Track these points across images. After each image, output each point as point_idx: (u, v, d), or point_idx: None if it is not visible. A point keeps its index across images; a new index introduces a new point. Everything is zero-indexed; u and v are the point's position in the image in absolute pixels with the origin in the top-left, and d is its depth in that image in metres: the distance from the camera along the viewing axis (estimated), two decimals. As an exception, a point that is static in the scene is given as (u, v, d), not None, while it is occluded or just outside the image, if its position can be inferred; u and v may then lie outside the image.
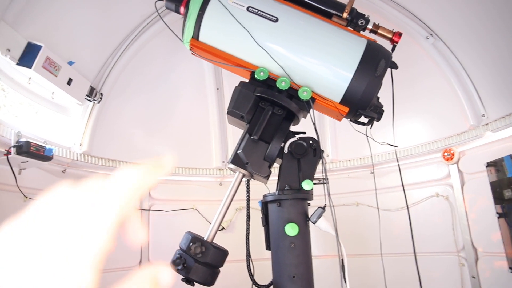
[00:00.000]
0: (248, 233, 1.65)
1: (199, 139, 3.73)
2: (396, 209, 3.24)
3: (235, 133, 3.75)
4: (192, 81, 3.71)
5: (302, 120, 1.68)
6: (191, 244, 1.30)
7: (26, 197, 2.47)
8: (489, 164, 2.71)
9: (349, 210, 3.55)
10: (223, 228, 3.57)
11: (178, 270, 1.30)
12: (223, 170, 3.72)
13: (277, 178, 1.56)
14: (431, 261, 3.05)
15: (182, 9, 1.67)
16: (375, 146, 1.90)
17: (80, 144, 2.97)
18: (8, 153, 2.15)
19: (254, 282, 1.59)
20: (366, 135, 1.74)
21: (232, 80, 3.81)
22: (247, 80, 1.63)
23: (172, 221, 3.46)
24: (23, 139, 2.18)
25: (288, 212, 1.43)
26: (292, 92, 1.56)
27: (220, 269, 1.37)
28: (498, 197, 2.63)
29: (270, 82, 1.56)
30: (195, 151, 3.71)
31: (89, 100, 2.89)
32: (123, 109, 3.31)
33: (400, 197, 3.18)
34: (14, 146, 2.15)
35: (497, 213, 2.62)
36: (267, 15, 1.56)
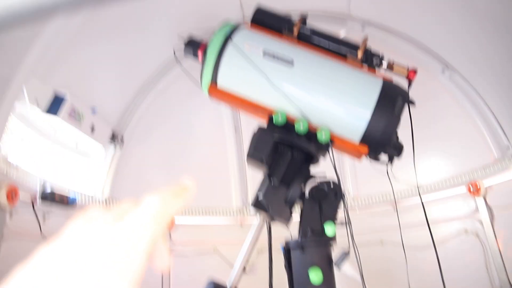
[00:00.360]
0: (271, 276, 1.61)
1: (218, 180, 3.74)
2: (422, 247, 3.13)
3: (254, 174, 3.74)
4: (210, 122, 3.77)
5: (322, 158, 1.67)
6: (214, 293, 1.28)
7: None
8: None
9: (373, 249, 3.44)
10: (244, 269, 3.49)
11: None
12: (243, 212, 3.70)
13: (299, 221, 1.54)
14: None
15: (200, 55, 1.72)
16: (397, 184, 1.86)
17: (102, 191, 3.01)
18: (33, 203, 2.20)
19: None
20: (387, 173, 1.71)
21: (250, 120, 3.86)
22: (265, 123, 1.65)
23: (194, 264, 3.42)
24: (48, 188, 2.24)
25: (311, 257, 1.40)
26: (311, 134, 1.56)
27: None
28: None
29: (288, 125, 1.57)
30: (214, 192, 3.71)
31: (112, 144, 2.96)
32: (143, 152, 3.37)
33: (427, 234, 3.09)
34: (39, 197, 2.20)
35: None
36: (282, 58, 1.60)
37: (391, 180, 1.82)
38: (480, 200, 2.98)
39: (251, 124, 1.62)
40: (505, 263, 2.82)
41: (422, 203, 1.80)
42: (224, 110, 3.77)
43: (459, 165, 3.09)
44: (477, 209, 3.01)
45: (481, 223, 2.97)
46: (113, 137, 2.97)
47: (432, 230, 3.06)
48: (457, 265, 2.97)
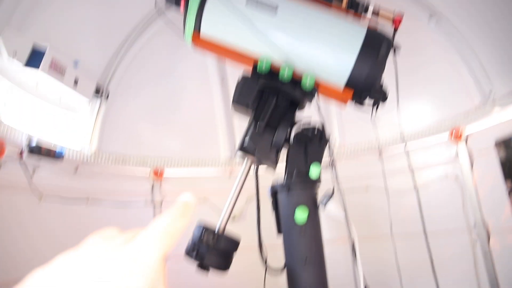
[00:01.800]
0: (259, 218, 1.67)
1: (206, 131, 3.76)
2: (406, 190, 3.25)
3: (242, 123, 3.77)
4: (196, 72, 3.72)
5: (308, 105, 1.69)
6: (203, 233, 1.33)
7: (41, 197, 2.52)
8: (498, 141, 2.70)
9: (358, 195, 3.56)
10: (234, 217, 3.61)
11: (192, 258, 1.33)
12: (231, 161, 3.75)
13: (285, 164, 1.58)
14: (442, 240, 3.06)
15: (182, 4, 1.68)
16: (382, 128, 1.90)
17: (90, 142, 3.01)
18: (20, 155, 2.20)
19: (267, 267, 1.62)
20: (371, 117, 1.74)
21: (236, 70, 3.82)
22: (250, 70, 1.64)
23: (185, 214, 3.51)
24: (33, 142, 2.23)
25: (297, 196, 1.45)
26: (295, 80, 1.57)
27: (234, 256, 1.40)
28: (508, 173, 2.63)
29: (272, 72, 1.58)
30: (202, 143, 3.74)
31: (96, 98, 2.93)
32: (129, 105, 3.35)
33: (409, 179, 3.21)
34: (26, 149, 2.19)
35: (508, 188, 2.63)
36: (266, 4, 1.57)
37: (375, 126, 1.86)
38: (461, 146, 3.07)
39: (237, 74, 1.62)
40: (480, 204, 2.96)
41: (406, 149, 1.85)
42: (209, 61, 3.73)
43: (442, 112, 3.15)
44: (457, 155, 3.10)
45: (461, 166, 3.08)
46: (98, 91, 2.92)
47: (417, 175, 3.18)
48: (437, 207, 3.11)
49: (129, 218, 3.27)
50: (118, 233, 0.35)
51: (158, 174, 3.49)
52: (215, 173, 3.80)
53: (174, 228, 0.37)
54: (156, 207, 3.47)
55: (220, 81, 3.75)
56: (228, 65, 3.75)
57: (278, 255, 1.75)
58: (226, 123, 3.78)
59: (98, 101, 3.02)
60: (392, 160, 3.42)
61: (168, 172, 3.58)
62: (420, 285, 2.97)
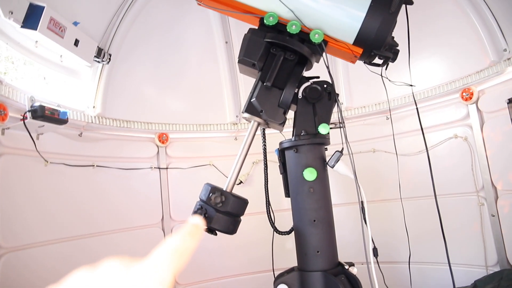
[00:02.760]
0: (267, 181, 1.65)
1: (211, 94, 3.71)
2: (413, 154, 3.22)
3: (247, 86, 3.70)
4: (200, 36, 3.62)
5: (315, 65, 1.63)
6: (210, 194, 1.31)
7: (47, 161, 2.52)
8: (510, 101, 2.63)
9: (365, 157, 3.54)
10: (241, 182, 3.62)
11: (199, 220, 1.32)
12: (237, 125, 3.71)
13: (292, 127, 1.54)
14: (450, 202, 3.05)
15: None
16: (390, 90, 1.84)
17: (94, 107, 2.98)
18: (24, 118, 2.17)
19: (275, 229, 1.61)
20: (381, 75, 1.68)
21: (241, 32, 3.71)
22: (256, 28, 1.58)
23: (190, 178, 3.52)
24: (36, 104, 2.19)
25: (305, 157, 1.42)
26: (304, 36, 1.51)
27: (242, 219, 1.39)
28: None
29: (280, 27, 1.51)
30: (208, 107, 3.69)
31: (98, 61, 2.86)
32: (132, 68, 3.28)
33: (417, 141, 3.17)
34: (29, 111, 2.16)
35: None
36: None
37: (385, 84, 1.79)
38: (472, 106, 3.00)
39: (242, 35, 1.55)
40: (489, 164, 2.92)
41: (417, 109, 1.79)
42: (214, 24, 3.62)
43: (453, 71, 3.05)
44: (468, 115, 3.04)
45: (471, 127, 3.03)
46: (99, 53, 2.85)
47: (425, 137, 3.14)
48: (445, 169, 3.09)
49: (135, 184, 3.28)
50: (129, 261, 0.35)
51: (163, 139, 3.47)
52: (221, 137, 3.78)
53: (185, 248, 0.38)
54: (162, 172, 3.48)
55: (224, 45, 3.65)
56: (233, 28, 3.64)
57: (283, 221, 1.75)
58: (231, 86, 3.72)
59: (100, 64, 2.95)
60: (399, 123, 3.37)
61: (173, 137, 3.56)
62: (427, 248, 2.99)
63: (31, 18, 2.10)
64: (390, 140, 3.42)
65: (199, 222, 0.43)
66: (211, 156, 3.64)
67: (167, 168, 3.50)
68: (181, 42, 3.54)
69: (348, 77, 3.62)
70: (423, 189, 3.06)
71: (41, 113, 2.13)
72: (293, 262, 1.67)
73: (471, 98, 2.95)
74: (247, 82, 3.71)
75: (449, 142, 3.14)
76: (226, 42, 3.66)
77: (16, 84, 2.28)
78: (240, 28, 3.56)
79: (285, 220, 1.68)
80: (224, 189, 1.37)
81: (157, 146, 3.49)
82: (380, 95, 3.46)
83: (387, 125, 3.52)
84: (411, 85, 1.82)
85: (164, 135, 3.48)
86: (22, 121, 2.17)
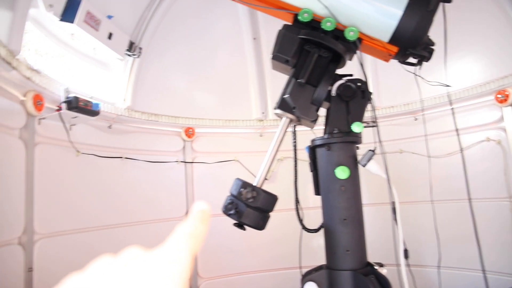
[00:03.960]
0: (296, 178, 1.65)
1: (238, 90, 3.72)
2: (442, 156, 3.15)
3: (274, 83, 3.69)
4: (229, 31, 3.64)
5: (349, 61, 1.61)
6: (242, 189, 1.31)
7: (79, 152, 2.58)
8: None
9: (392, 158, 3.48)
10: (265, 178, 3.61)
11: (230, 215, 1.33)
12: (263, 121, 3.72)
13: (323, 126, 1.53)
14: (480, 207, 2.96)
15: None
16: (421, 90, 1.80)
17: (124, 100, 3.03)
18: (59, 109, 2.23)
19: (304, 227, 1.61)
20: (416, 75, 1.65)
21: (269, 29, 3.72)
22: (290, 24, 1.57)
23: (215, 173, 3.54)
24: (71, 95, 2.25)
25: (337, 155, 1.41)
26: (338, 33, 1.49)
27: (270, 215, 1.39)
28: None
29: (314, 24, 1.49)
30: (234, 102, 3.71)
31: (129, 55, 2.91)
32: (162, 62, 3.32)
33: (446, 143, 3.10)
34: (64, 102, 2.22)
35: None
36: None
37: (418, 85, 1.76)
38: (506, 109, 2.91)
39: (270, 34, 1.55)
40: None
41: (452, 110, 1.75)
42: (243, 20, 3.62)
43: (489, 71, 2.96)
44: (502, 118, 2.95)
45: (505, 130, 2.93)
46: (131, 47, 2.90)
47: (454, 139, 3.06)
48: (475, 172, 3.01)
49: (161, 177, 3.33)
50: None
51: (189, 133, 3.50)
52: (246, 133, 3.79)
53: (198, 232, 0.37)
54: (187, 166, 3.52)
55: (252, 41, 3.65)
56: (261, 24, 3.64)
57: (307, 219, 1.74)
58: (258, 83, 3.72)
59: (131, 58, 3.00)
60: (427, 125, 3.30)
61: (199, 132, 3.59)
62: (454, 252, 2.93)
63: (69, 12, 2.16)
64: (417, 142, 3.39)
65: (205, 207, 0.42)
66: (236, 152, 3.66)
67: (192, 162, 3.53)
68: (210, 37, 3.56)
69: (377, 77, 3.56)
70: (451, 192, 2.99)
71: (75, 104, 2.19)
72: (319, 260, 1.66)
73: (506, 100, 2.85)
74: (274, 79, 3.70)
75: (481, 145, 3.05)
76: (254, 38, 3.66)
77: (52, 75, 2.34)
78: (269, 25, 3.55)
79: (310, 218, 1.67)
80: (255, 184, 1.37)
81: (183, 140, 3.52)
82: (408, 95, 3.40)
83: (415, 126, 3.46)
84: (447, 86, 1.78)
85: (190, 130, 3.51)
86: (58, 112, 2.23)
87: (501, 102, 2.89)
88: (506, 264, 2.89)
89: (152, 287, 0.30)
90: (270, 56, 1.53)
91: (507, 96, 2.85)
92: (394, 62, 1.79)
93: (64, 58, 2.73)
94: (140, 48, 3.02)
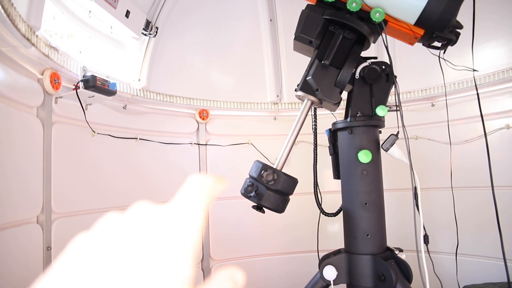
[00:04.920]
0: (316, 161, 1.64)
1: (253, 72, 3.68)
2: (460, 143, 3.10)
3: (289, 66, 3.65)
4: (245, 12, 3.58)
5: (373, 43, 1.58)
6: (262, 172, 1.30)
7: (94, 132, 2.59)
8: None
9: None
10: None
11: (250, 197, 1.32)
12: (277, 105, 3.69)
13: (343, 110, 1.51)
14: (498, 194, 2.93)
15: None
16: (438, 76, 1.75)
17: (139, 80, 3.02)
18: (76, 87, 2.23)
19: (322, 211, 1.60)
20: (443, 58, 1.61)
21: (286, 10, 3.66)
22: (313, 4, 1.53)
23: (229, 156, 3.54)
24: (88, 74, 2.24)
25: (360, 139, 1.39)
26: (363, 14, 1.46)
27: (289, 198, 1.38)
28: None
29: (339, 4, 1.46)
30: (249, 85, 3.68)
31: (145, 34, 2.89)
32: (178, 43, 3.30)
33: (463, 130, 3.05)
34: (81, 81, 2.21)
35: None
36: None
37: (442, 68, 1.71)
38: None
39: (287, 14, 1.51)
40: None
41: (478, 95, 1.70)
42: (260, 0, 3.56)
43: (509, 58, 2.89)
44: (522, 105, 2.89)
45: (526, 119, 2.87)
46: (147, 26, 2.88)
47: (472, 126, 3.00)
48: (493, 159, 2.95)
49: (175, 158, 3.34)
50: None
51: (203, 115, 3.49)
52: (260, 116, 3.76)
53: (212, 186, 0.35)
54: (201, 148, 3.52)
55: (269, 22, 3.59)
56: (278, 6, 3.58)
57: (324, 203, 1.72)
58: (273, 66, 3.67)
59: (147, 38, 2.98)
60: (444, 111, 3.24)
61: (213, 114, 3.58)
62: (470, 239, 2.92)
63: (87, -12, 2.13)
64: (434, 128, 3.34)
65: (222, 177, 0.41)
66: (249, 135, 3.64)
67: (206, 144, 3.53)
68: (226, 19, 3.51)
69: (395, 61, 3.50)
70: (468, 180, 2.96)
71: (92, 83, 2.18)
72: (335, 244, 1.66)
73: (528, 86, 2.79)
74: (289, 62, 3.65)
75: (499, 133, 3.00)
76: (271, 20, 3.60)
77: (69, 52, 2.33)
78: (285, 7, 3.49)
79: (326, 203, 1.66)
80: (275, 167, 1.36)
81: (197, 122, 3.52)
82: (425, 81, 3.34)
83: (431, 112, 3.41)
84: (475, 70, 1.74)
85: (204, 112, 3.50)
86: (75, 91, 2.23)
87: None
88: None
89: (164, 244, 0.29)
90: (292, 37, 1.51)
91: (528, 82, 2.78)
92: (409, 47, 1.75)
93: (74, 38, 2.71)
94: (157, 28, 2.99)
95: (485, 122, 3.05)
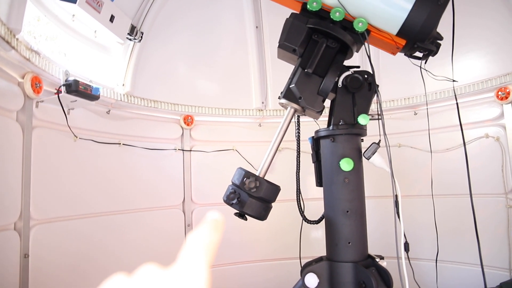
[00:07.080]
0: (299, 169, 1.64)
1: (238, 79, 3.69)
2: (440, 151, 3.16)
3: (274, 73, 3.66)
4: (231, 19, 3.59)
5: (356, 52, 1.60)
6: (245, 179, 1.30)
7: (76, 137, 2.55)
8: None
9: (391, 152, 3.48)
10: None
11: (232, 205, 1.31)
12: (262, 111, 3.70)
13: (327, 118, 1.52)
14: (477, 202, 2.98)
15: None
16: (421, 85, 1.78)
17: (123, 84, 2.99)
18: (58, 92, 2.20)
19: (305, 218, 1.60)
20: (423, 68, 1.64)
21: (272, 18, 3.68)
22: (297, 12, 1.55)
23: (213, 162, 3.53)
24: (71, 78, 2.21)
25: (342, 147, 1.40)
26: (346, 24, 1.48)
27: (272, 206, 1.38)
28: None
29: (322, 13, 1.48)
30: (234, 91, 3.68)
31: (130, 39, 2.87)
32: (163, 48, 3.28)
33: (444, 138, 3.11)
34: (64, 85, 2.18)
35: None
36: None
37: (424, 78, 1.75)
38: (507, 106, 2.91)
39: (273, 22, 1.53)
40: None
41: (457, 104, 1.74)
42: (246, 5, 3.57)
43: (491, 68, 2.96)
44: (502, 115, 2.95)
45: (504, 128, 2.94)
46: (132, 31, 2.86)
47: (453, 135, 3.05)
48: (473, 168, 3.01)
49: (159, 164, 3.31)
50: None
51: (188, 121, 3.48)
52: (245, 123, 3.77)
53: (211, 242, 0.37)
54: (185, 154, 3.50)
55: (255, 29, 3.61)
56: (264, 13, 3.60)
57: (307, 210, 1.73)
58: (259, 72, 3.68)
59: (132, 42, 2.96)
60: (426, 120, 3.30)
61: (198, 120, 3.56)
62: (449, 246, 2.95)
63: (71, -8, 2.11)
64: (416, 136, 3.39)
65: (218, 217, 0.41)
66: (234, 141, 3.64)
67: (190, 150, 3.51)
68: (212, 25, 3.52)
69: (378, 70, 3.55)
70: (447, 187, 3.00)
71: (75, 88, 2.15)
72: (317, 251, 1.66)
73: (507, 97, 2.86)
74: (275, 69, 3.67)
75: (479, 142, 3.06)
76: (257, 27, 3.62)
77: (51, 56, 2.30)
78: (271, 14, 3.51)
79: (309, 210, 1.67)
80: (257, 175, 1.36)
81: (182, 128, 3.50)
82: (407, 90, 3.40)
83: (414, 120, 3.46)
84: (454, 80, 1.77)
85: (189, 117, 3.49)
86: (57, 95, 2.19)
87: (501, 99, 2.89)
88: (500, 258, 2.92)
89: None
90: (277, 44, 1.51)
91: (508, 93, 2.85)
92: (392, 56, 1.78)
93: (58, 40, 2.68)
94: (142, 33, 2.98)
95: (464, 131, 3.12)
